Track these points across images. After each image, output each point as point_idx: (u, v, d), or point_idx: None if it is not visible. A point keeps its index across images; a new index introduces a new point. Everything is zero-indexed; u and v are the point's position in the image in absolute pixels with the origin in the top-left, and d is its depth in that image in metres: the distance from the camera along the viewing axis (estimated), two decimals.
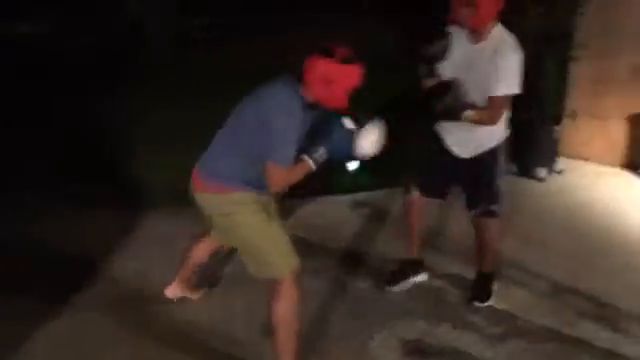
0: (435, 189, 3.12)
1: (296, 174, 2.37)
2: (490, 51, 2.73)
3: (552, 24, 4.77)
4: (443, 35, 2.75)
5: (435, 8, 2.98)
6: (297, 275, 2.48)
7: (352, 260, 3.56)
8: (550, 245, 3.72)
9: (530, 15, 4.64)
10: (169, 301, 3.05)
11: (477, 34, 2.76)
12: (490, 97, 2.75)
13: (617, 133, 5.26)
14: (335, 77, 2.27)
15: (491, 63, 2.71)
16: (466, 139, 2.92)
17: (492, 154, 2.92)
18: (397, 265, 3.30)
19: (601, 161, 5.32)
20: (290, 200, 4.31)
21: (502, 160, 2.96)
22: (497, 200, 2.97)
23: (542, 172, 4.98)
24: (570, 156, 5.35)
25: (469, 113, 2.74)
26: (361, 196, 4.55)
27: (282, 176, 2.31)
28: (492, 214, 2.98)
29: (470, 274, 3.26)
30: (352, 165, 2.49)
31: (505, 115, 2.90)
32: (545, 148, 5.04)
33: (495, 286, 3.17)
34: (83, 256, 3.50)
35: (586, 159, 5.37)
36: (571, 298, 3.18)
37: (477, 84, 2.76)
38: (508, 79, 2.69)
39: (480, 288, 3.15)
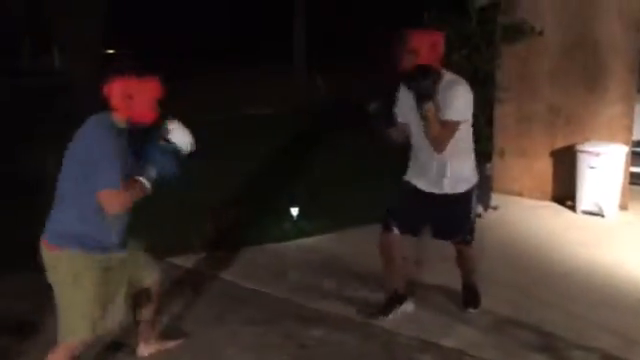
0: (412, 226, 3.31)
1: (131, 195, 2.43)
2: (440, 88, 2.98)
3: (473, 68, 5.07)
4: (385, 92, 3.10)
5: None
6: (79, 346, 2.52)
7: (301, 307, 3.50)
8: (492, 278, 3.81)
9: (453, 59, 4.93)
10: None
11: None
12: (442, 121, 2.98)
13: (543, 168, 5.56)
14: (134, 91, 2.39)
15: (442, 96, 2.96)
16: (437, 179, 3.14)
17: (466, 195, 3.20)
18: (387, 297, 3.39)
19: (532, 196, 5.58)
20: (234, 249, 4.27)
21: (475, 201, 3.29)
22: (472, 231, 3.33)
23: (478, 209, 5.15)
24: (504, 192, 5.59)
25: (431, 105, 2.91)
26: (307, 242, 4.54)
27: (115, 199, 2.38)
28: (468, 243, 3.34)
29: (418, 312, 3.28)
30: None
31: (473, 160, 3.22)
32: (479, 185, 5.23)
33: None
34: (14, 322, 3.27)
35: (518, 194, 5.62)
36: (515, 330, 3.24)
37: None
38: (457, 106, 2.97)
39: (470, 296, 3.45)
